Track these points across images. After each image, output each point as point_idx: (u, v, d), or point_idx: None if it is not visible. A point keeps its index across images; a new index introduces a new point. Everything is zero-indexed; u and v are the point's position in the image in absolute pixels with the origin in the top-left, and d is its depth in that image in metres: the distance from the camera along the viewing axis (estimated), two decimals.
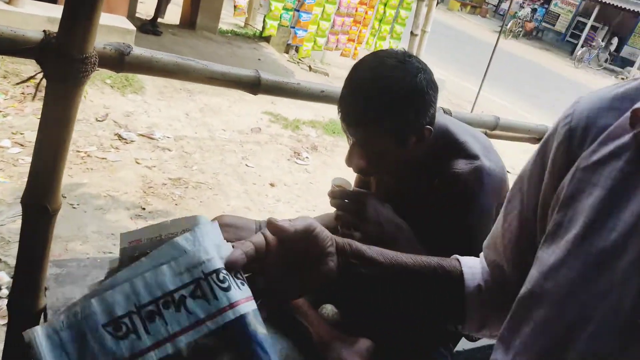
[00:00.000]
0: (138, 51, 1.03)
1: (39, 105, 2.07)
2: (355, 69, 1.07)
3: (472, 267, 0.80)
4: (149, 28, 5.84)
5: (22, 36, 0.88)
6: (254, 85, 1.20)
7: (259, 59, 6.54)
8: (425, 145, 1.11)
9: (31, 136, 2.99)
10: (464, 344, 1.48)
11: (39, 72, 0.95)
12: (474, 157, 1.13)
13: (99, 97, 3.86)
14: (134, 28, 4.59)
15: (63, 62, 0.88)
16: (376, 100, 1.01)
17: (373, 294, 0.81)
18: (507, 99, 8.96)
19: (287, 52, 7.17)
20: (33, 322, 1.20)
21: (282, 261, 0.66)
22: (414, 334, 1.27)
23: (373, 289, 0.77)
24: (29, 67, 3.83)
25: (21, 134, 3.03)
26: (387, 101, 1.01)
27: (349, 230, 1.12)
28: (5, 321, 1.81)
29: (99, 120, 3.51)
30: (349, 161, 1.14)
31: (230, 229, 1.46)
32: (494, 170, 1.13)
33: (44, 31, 0.92)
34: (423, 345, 1.27)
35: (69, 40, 0.88)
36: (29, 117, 3.22)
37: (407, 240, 1.16)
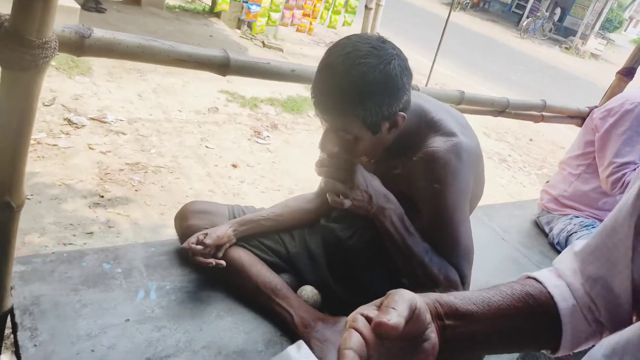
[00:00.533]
0: (99, 33, 0.96)
1: None
2: (329, 54, 1.04)
3: (557, 285, 0.72)
4: (92, 5, 5.54)
5: None
6: (223, 66, 1.15)
7: (210, 36, 6.35)
8: (398, 130, 1.11)
9: None
10: None
11: None
12: (451, 134, 1.14)
13: (45, 80, 3.63)
14: (78, 6, 4.35)
15: (20, 48, 0.80)
16: (349, 88, 1.00)
17: (478, 350, 0.76)
18: (459, 71, 9.10)
19: (239, 28, 6.99)
20: (0, 324, 1.14)
21: (387, 355, 0.57)
22: None
23: (477, 347, 0.70)
24: None
25: None
26: (360, 89, 0.99)
27: (338, 197, 1.10)
28: None
29: (46, 105, 3.33)
30: (323, 146, 1.12)
31: (203, 215, 1.43)
32: (471, 146, 1.15)
33: None
34: None
35: (24, 23, 0.81)
36: None
37: (394, 211, 1.16)
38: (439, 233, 1.17)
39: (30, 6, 0.80)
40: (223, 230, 1.35)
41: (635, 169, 2.03)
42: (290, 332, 1.26)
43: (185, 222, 1.43)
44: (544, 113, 2.36)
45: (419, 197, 1.18)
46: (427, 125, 1.16)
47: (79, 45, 0.93)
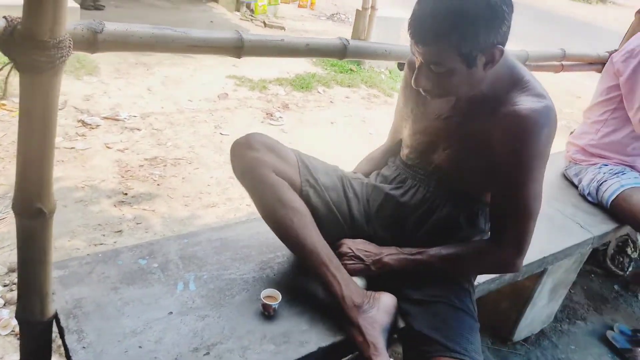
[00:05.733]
0: (111, 27, 0.94)
1: None
2: None
3: None
4: (90, 4, 5.51)
5: None
6: (237, 48, 1.12)
7: (211, 21, 6.28)
8: (494, 67, 1.07)
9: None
10: (478, 277, 1.50)
11: (7, 64, 0.86)
12: (542, 96, 1.10)
13: None
14: (77, 5, 4.31)
15: (36, 50, 0.78)
16: (446, 15, 0.98)
17: None
18: None
19: (238, 10, 6.90)
20: (45, 331, 1.15)
21: None
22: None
23: None
24: None
25: None
26: (458, 15, 0.97)
27: None
28: (7, 332, 1.76)
29: (58, 109, 3.33)
30: (417, 82, 1.11)
31: (273, 154, 1.29)
32: (556, 113, 1.11)
33: (5, 17, 0.82)
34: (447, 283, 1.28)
35: (36, 25, 0.79)
36: None
37: (394, 254, 1.26)
38: (511, 198, 1.15)
39: (41, 7, 0.77)
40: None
41: None
42: (333, 310, 1.23)
43: (251, 153, 1.24)
44: (563, 62, 2.29)
45: (498, 158, 1.13)
46: (517, 83, 1.12)
47: (93, 41, 0.91)
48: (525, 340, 2.25)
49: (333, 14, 8.34)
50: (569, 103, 6.02)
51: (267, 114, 3.98)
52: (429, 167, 1.30)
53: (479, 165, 1.19)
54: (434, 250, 1.23)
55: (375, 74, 5.40)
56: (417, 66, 1.10)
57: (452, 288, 1.25)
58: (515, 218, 1.15)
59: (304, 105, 4.34)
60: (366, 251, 1.28)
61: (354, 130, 4.04)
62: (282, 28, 6.66)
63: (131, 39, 0.95)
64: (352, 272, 1.25)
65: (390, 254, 1.26)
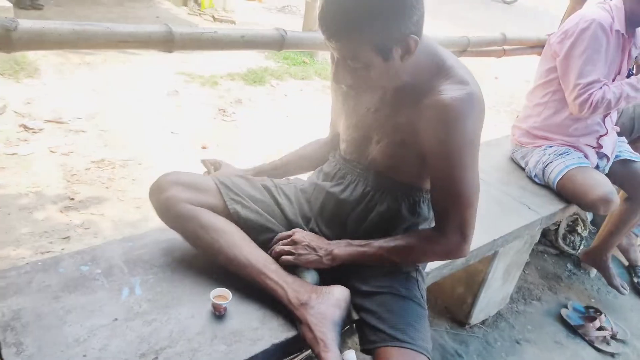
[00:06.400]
0: (26, 24, 0.89)
1: None
2: None
3: None
4: (27, 3, 5.27)
5: None
6: (168, 42, 1.08)
7: (157, 17, 6.13)
8: (411, 57, 1.06)
9: None
10: (430, 264, 1.51)
11: None
12: (464, 82, 1.08)
13: None
14: (10, 4, 4.10)
15: None
16: (355, 8, 0.96)
17: None
18: None
19: (185, 5, 6.76)
20: None
21: None
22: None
23: None
24: None
25: None
26: (367, 8, 0.96)
27: (290, 264, 1.24)
28: None
29: None
30: (336, 78, 1.10)
31: (187, 189, 1.30)
32: (481, 98, 1.10)
33: None
34: (394, 269, 1.28)
35: None
36: None
37: (344, 246, 1.25)
38: (446, 188, 1.15)
39: None
40: (233, 172, 1.39)
41: (601, 87, 2.03)
42: (286, 309, 1.22)
43: (163, 194, 1.28)
44: (505, 47, 2.33)
45: (427, 148, 1.14)
46: (439, 71, 1.11)
47: (7, 40, 0.86)
48: (483, 322, 2.30)
49: (284, 7, 8.28)
50: (520, 88, 6.18)
51: (219, 109, 3.91)
52: (365, 160, 1.30)
53: (412, 156, 1.20)
54: (380, 242, 1.23)
55: (329, 65, 5.39)
56: (335, 62, 1.09)
57: (398, 277, 1.25)
58: (454, 206, 1.16)
59: (257, 99, 4.30)
60: (318, 243, 1.27)
61: (309, 123, 4.02)
62: (233, 22, 6.56)
63: (49, 37, 0.90)
64: (307, 263, 1.25)
65: (339, 246, 1.26)
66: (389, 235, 1.26)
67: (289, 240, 1.28)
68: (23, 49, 0.91)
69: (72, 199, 2.54)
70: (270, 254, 1.28)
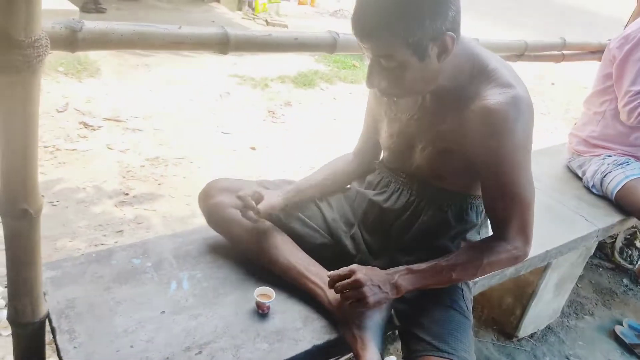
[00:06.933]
0: (91, 25, 0.93)
1: None
2: None
3: None
4: (92, 7, 5.53)
5: None
6: (223, 44, 1.10)
7: (213, 21, 6.28)
8: (448, 57, 1.02)
9: None
10: None
11: None
12: (509, 85, 1.04)
13: (55, 87, 3.67)
14: (76, 8, 4.33)
15: (11, 50, 0.78)
16: (387, 4, 0.95)
17: None
18: (469, 21, 8.81)
19: (240, 10, 6.90)
20: (38, 331, 1.15)
21: None
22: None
23: None
24: None
25: None
26: (399, 3, 0.94)
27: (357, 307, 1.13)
28: (7, 332, 1.76)
29: (60, 112, 3.35)
30: (370, 82, 1.06)
31: (229, 193, 1.35)
32: (528, 98, 1.06)
33: None
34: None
35: (10, 23, 0.78)
36: None
37: (407, 276, 1.14)
38: (503, 194, 1.11)
39: (13, 4, 0.76)
40: (275, 202, 1.30)
41: None
42: (325, 309, 1.23)
43: (210, 200, 1.35)
44: (564, 52, 2.25)
45: (476, 156, 1.11)
46: (481, 74, 1.07)
47: (72, 40, 0.90)
48: (531, 336, 2.22)
49: (336, 11, 8.31)
50: (577, 94, 5.94)
51: (269, 111, 3.97)
52: (409, 169, 1.26)
53: (457, 164, 1.16)
54: (441, 263, 1.15)
55: None
56: (368, 65, 1.05)
57: (443, 286, 1.22)
58: (513, 211, 1.12)
59: (307, 102, 4.33)
60: (380, 279, 1.14)
61: (357, 126, 4.01)
62: (285, 26, 6.65)
63: (111, 37, 0.94)
64: (375, 305, 1.12)
65: (401, 275, 1.15)
66: (434, 244, 1.23)
67: (351, 282, 1.11)
68: (87, 48, 0.95)
69: (127, 194, 2.64)
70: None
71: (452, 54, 1.02)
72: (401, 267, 1.15)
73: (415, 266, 1.15)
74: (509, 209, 1.12)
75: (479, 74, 1.07)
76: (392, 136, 1.27)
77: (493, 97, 1.03)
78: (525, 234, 1.15)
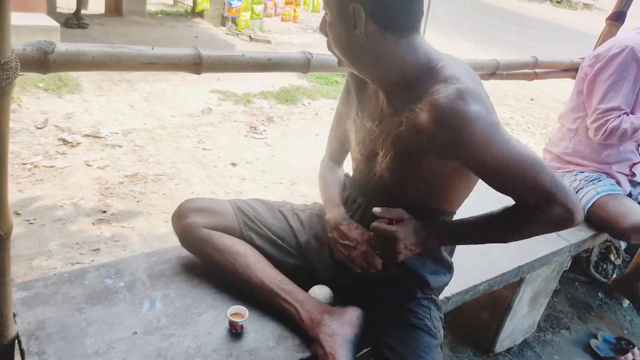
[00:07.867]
0: (62, 47, 0.94)
1: None
2: None
3: None
4: (74, 22, 5.52)
5: None
6: (196, 64, 1.12)
7: (196, 37, 6.31)
8: (358, 32, 1.01)
9: None
10: (451, 289, 1.49)
11: None
12: (455, 77, 0.99)
13: (35, 103, 3.64)
14: (57, 24, 4.31)
15: None
16: None
17: None
18: (448, 37, 8.98)
19: (223, 25, 6.94)
20: (7, 353, 1.13)
21: None
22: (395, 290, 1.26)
23: None
24: None
25: None
26: None
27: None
28: None
29: (39, 128, 3.32)
30: (321, 28, 1.14)
31: (202, 212, 1.36)
32: (476, 89, 0.99)
33: None
34: (405, 296, 1.27)
35: None
36: None
37: (435, 228, 1.16)
38: (502, 173, 1.02)
39: None
40: (345, 218, 1.28)
41: (619, 116, 1.98)
42: (299, 327, 1.23)
43: (183, 221, 1.35)
44: (536, 70, 2.31)
45: (445, 155, 1.05)
46: (429, 73, 1.03)
47: (43, 62, 0.91)
48: (508, 350, 2.24)
49: (319, 27, 8.39)
50: (555, 110, 6.07)
51: (251, 127, 3.98)
52: (372, 179, 1.23)
53: (419, 170, 1.11)
54: (471, 222, 1.13)
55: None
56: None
57: (409, 305, 1.23)
58: (525, 182, 1.02)
59: (289, 118, 4.35)
60: (412, 241, 1.13)
61: None
62: (268, 42, 6.70)
63: (83, 58, 0.94)
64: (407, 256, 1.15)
65: (431, 240, 1.16)
66: (404, 264, 1.22)
67: (390, 237, 1.12)
68: (59, 70, 0.96)
69: (105, 211, 2.62)
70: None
71: (403, 51, 1.04)
72: (433, 231, 1.16)
73: (446, 225, 1.19)
74: (520, 184, 1.02)
75: (428, 71, 1.03)
76: (358, 144, 1.25)
77: (440, 92, 0.98)
78: (552, 193, 1.01)
